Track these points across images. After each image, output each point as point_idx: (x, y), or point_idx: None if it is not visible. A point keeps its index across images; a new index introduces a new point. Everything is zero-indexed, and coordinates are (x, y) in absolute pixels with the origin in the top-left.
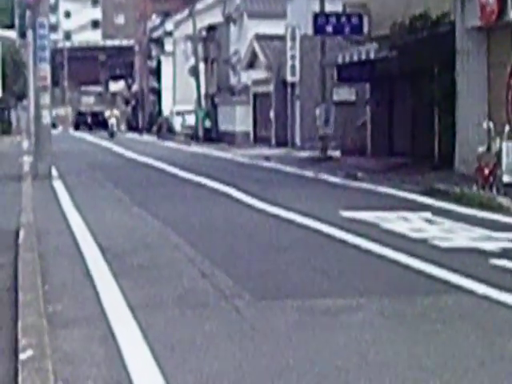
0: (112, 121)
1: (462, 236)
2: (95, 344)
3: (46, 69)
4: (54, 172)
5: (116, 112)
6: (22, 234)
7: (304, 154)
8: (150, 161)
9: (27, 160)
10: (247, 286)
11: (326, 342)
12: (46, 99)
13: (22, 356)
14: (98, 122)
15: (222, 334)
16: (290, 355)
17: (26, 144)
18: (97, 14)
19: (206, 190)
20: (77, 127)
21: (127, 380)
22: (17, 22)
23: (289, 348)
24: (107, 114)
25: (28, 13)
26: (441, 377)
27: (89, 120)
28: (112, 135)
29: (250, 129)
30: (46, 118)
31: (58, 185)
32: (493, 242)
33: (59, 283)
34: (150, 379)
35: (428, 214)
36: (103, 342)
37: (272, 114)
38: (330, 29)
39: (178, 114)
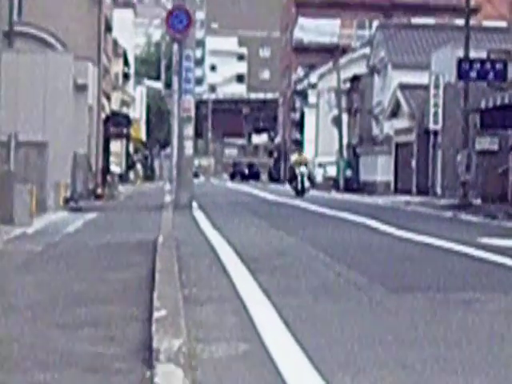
0: (302, 170)
1: None
2: (228, 315)
3: (190, 100)
4: (195, 204)
5: (305, 157)
6: (160, 240)
7: (444, 201)
8: (291, 201)
9: (169, 197)
10: (381, 282)
11: (457, 320)
12: (189, 130)
13: (157, 314)
14: (253, 174)
15: (353, 313)
16: (420, 329)
17: (167, 187)
18: (242, 68)
19: (344, 221)
20: (232, 177)
21: (258, 340)
22: (163, 72)
23: (420, 323)
24: (293, 158)
25: (175, 49)
26: None
27: (246, 171)
28: (302, 192)
29: (391, 178)
30: (189, 150)
31: (198, 213)
32: None
33: (196, 276)
34: (282, 340)
35: None
36: (236, 314)
37: (414, 163)
38: (473, 74)
39: (320, 165)
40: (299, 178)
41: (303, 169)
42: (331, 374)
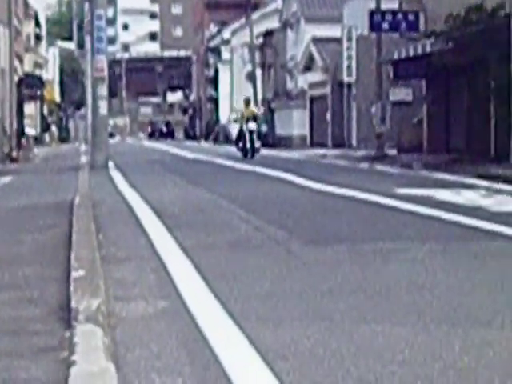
0: (251, 126)
1: None
2: (146, 273)
3: (102, 60)
4: (111, 164)
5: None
6: (77, 200)
7: (360, 153)
8: (207, 158)
9: (85, 158)
10: (299, 235)
11: (375, 270)
12: (102, 90)
13: (75, 274)
14: (169, 132)
15: (271, 266)
16: (339, 279)
17: (83, 147)
18: (155, 26)
19: (262, 176)
20: (151, 136)
21: (178, 298)
22: (75, 33)
23: (338, 275)
24: (233, 116)
25: (86, 8)
26: (488, 294)
27: (164, 129)
28: (253, 153)
29: (307, 132)
30: (103, 109)
31: (114, 173)
32: None
33: (113, 234)
34: (200, 296)
35: (482, 191)
36: (155, 272)
37: (328, 116)
38: (386, 26)
39: (236, 121)
40: (247, 136)
41: (252, 125)
42: (251, 327)
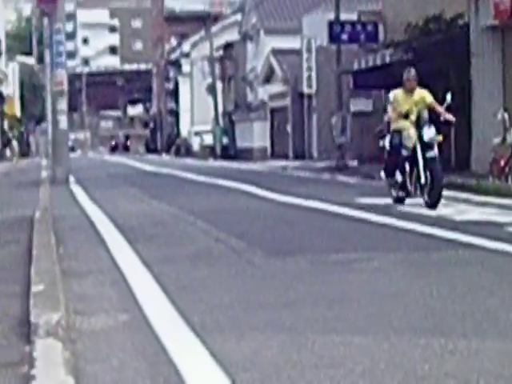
0: (429, 135)
1: (477, 213)
2: (107, 287)
3: (62, 74)
4: (72, 178)
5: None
6: (37, 215)
7: (321, 164)
8: (168, 171)
9: (46, 173)
10: (260, 246)
11: (338, 280)
12: (62, 105)
13: (34, 289)
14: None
15: (232, 278)
16: (301, 290)
17: (44, 162)
18: (114, 39)
19: (223, 188)
20: (113, 150)
21: (139, 310)
22: (35, 47)
23: (299, 285)
24: None
25: (45, 23)
26: (450, 302)
27: (126, 143)
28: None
29: (268, 144)
30: (63, 124)
31: (75, 187)
32: (508, 217)
33: (74, 248)
34: (161, 309)
35: (443, 201)
36: (115, 285)
37: (289, 128)
38: (345, 37)
39: (197, 134)
40: (420, 159)
41: (430, 132)
42: (212, 339)
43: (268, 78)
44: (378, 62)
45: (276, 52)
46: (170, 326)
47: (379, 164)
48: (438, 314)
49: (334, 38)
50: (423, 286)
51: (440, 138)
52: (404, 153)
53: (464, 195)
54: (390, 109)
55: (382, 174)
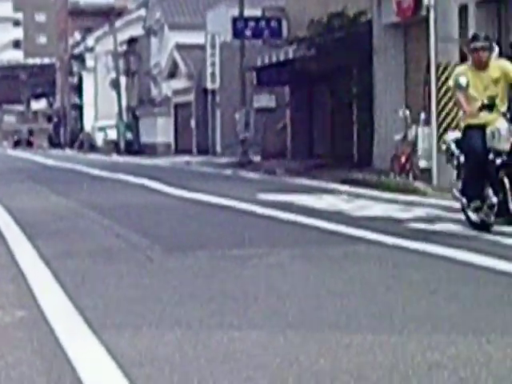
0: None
1: (377, 209)
2: (5, 283)
3: None
4: None
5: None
6: None
7: (225, 159)
8: (72, 166)
9: None
10: (161, 242)
11: (236, 275)
12: None
13: None
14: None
15: (131, 273)
16: (198, 285)
17: None
18: (18, 33)
19: (126, 184)
20: (16, 145)
21: (36, 307)
22: None
23: (198, 281)
24: None
25: None
26: (346, 297)
27: (29, 138)
28: None
29: (172, 139)
30: None
31: None
32: (407, 213)
33: None
34: (59, 305)
35: (344, 196)
36: (13, 281)
37: (193, 123)
38: (248, 33)
39: (101, 129)
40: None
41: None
42: (108, 335)
43: (172, 73)
44: (282, 58)
45: (180, 47)
46: (67, 322)
47: (282, 159)
48: (333, 310)
49: (237, 33)
50: (320, 282)
51: None
52: (498, 160)
53: (365, 191)
54: (460, 96)
55: (456, 193)
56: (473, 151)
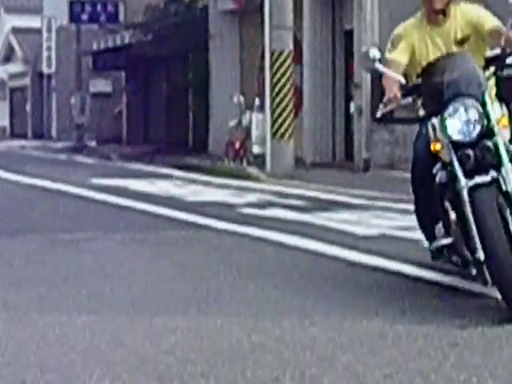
0: None
1: (210, 194)
2: None
3: None
4: None
5: None
6: None
7: (60, 144)
8: None
9: None
10: None
11: (66, 260)
12: None
13: None
14: None
15: None
16: (27, 270)
17: None
18: None
19: None
20: None
21: None
22: None
23: (28, 265)
24: None
25: None
26: (176, 281)
27: None
28: None
29: (7, 124)
30: None
31: None
32: (240, 198)
33: None
34: None
35: (177, 182)
36: None
37: (28, 107)
38: (85, 17)
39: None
40: None
41: None
42: None
43: (8, 57)
44: (118, 43)
45: (16, 31)
46: None
47: (117, 145)
48: (162, 294)
49: (74, 17)
50: (150, 266)
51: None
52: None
53: (198, 176)
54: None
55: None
56: (415, 159)
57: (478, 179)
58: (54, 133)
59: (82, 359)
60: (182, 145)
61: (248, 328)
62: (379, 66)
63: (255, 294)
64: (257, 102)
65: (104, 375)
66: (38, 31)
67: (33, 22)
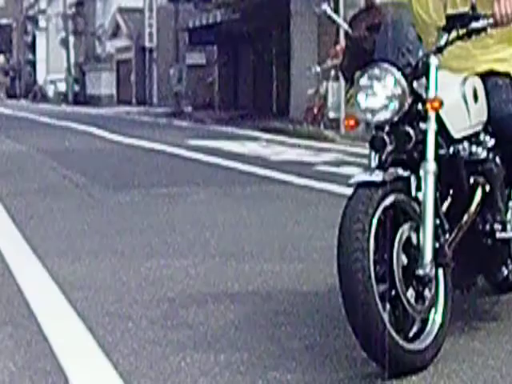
0: None
1: (291, 153)
2: None
3: None
4: None
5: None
6: None
7: (160, 109)
8: (25, 114)
9: None
10: (101, 182)
11: (165, 211)
12: None
13: None
14: None
15: (73, 209)
16: (132, 220)
17: None
18: None
19: (73, 130)
20: None
21: None
22: None
23: (132, 215)
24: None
25: None
26: (260, 230)
27: None
28: None
29: (114, 92)
30: None
31: None
32: (317, 157)
33: None
34: (10, 236)
35: (263, 142)
36: None
37: (133, 77)
38: None
39: (51, 82)
40: None
41: None
42: (51, 262)
43: (115, 33)
44: (211, 21)
45: (122, 10)
46: (16, 251)
47: (210, 110)
48: (248, 241)
49: None
50: (238, 216)
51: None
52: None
53: (282, 138)
54: None
55: None
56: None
57: (365, 176)
58: (154, 100)
59: (179, 298)
60: (267, 110)
61: (325, 272)
62: (327, 9)
63: (332, 242)
64: (332, 72)
65: (198, 312)
66: (141, 10)
67: (136, 2)
